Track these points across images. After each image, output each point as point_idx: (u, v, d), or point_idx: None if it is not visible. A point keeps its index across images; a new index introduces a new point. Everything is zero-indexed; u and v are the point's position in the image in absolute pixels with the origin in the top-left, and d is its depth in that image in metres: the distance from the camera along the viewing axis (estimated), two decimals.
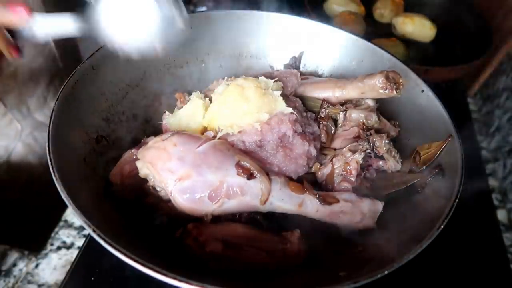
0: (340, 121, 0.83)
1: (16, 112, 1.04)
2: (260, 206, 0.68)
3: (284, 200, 0.69)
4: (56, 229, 0.94)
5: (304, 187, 0.70)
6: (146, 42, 0.64)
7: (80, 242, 0.91)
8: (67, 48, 1.21)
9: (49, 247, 0.91)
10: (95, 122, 0.78)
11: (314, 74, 1.01)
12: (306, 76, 0.94)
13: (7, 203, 1.07)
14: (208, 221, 0.67)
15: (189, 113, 0.82)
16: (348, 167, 0.75)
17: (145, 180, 0.72)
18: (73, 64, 1.04)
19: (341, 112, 0.83)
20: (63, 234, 0.93)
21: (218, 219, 0.69)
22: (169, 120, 0.85)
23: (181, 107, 0.87)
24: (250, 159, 0.69)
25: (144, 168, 0.70)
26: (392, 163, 0.78)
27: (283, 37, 1.00)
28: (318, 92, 0.87)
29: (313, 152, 0.75)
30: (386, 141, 0.78)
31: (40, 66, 1.09)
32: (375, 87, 0.79)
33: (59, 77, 1.16)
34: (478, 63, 1.33)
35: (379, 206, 0.72)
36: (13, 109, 1.03)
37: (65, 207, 0.97)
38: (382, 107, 0.88)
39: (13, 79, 1.01)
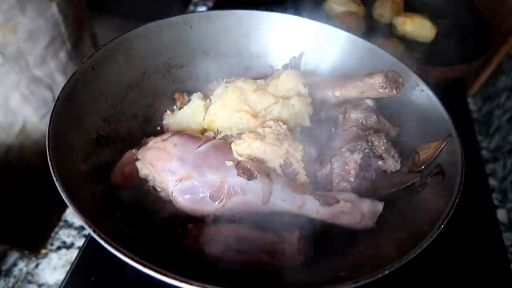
0: (340, 121, 0.84)
1: (13, 64, 1.12)
2: (261, 206, 0.68)
3: (285, 200, 0.69)
4: (56, 229, 0.94)
5: (305, 187, 0.70)
6: None
7: (80, 242, 0.91)
8: (74, 15, 1.28)
9: (49, 247, 0.91)
10: (95, 122, 0.78)
11: (314, 74, 1.01)
12: (306, 76, 0.94)
13: (7, 202, 1.08)
14: (210, 221, 0.67)
15: (190, 114, 0.82)
16: (347, 167, 0.75)
17: (145, 181, 0.72)
18: (78, 32, 1.28)
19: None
20: (63, 234, 0.93)
21: (218, 219, 0.69)
22: (169, 120, 0.85)
23: (181, 107, 0.87)
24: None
25: (144, 168, 0.70)
26: (391, 163, 0.78)
27: (283, 37, 1.00)
28: (318, 92, 0.87)
29: (313, 153, 0.75)
30: (385, 141, 0.78)
31: (40, 28, 1.17)
32: (375, 86, 0.79)
33: (61, 40, 1.24)
34: (478, 63, 1.33)
35: (379, 206, 0.72)
36: (10, 61, 1.11)
37: (65, 207, 0.97)
38: (382, 107, 0.88)
39: (12, 34, 1.08)
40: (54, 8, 1.18)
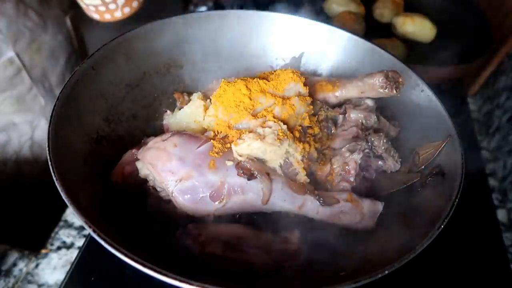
0: (340, 121, 0.84)
1: (40, 87, 1.10)
2: (262, 206, 0.68)
3: (285, 200, 0.69)
4: (56, 229, 0.94)
5: (305, 187, 0.70)
6: None
7: (80, 242, 0.91)
8: (80, 31, 1.28)
9: (49, 247, 0.91)
10: (95, 122, 0.78)
11: (314, 74, 1.01)
12: (306, 76, 0.94)
13: (8, 202, 1.08)
14: (210, 221, 0.67)
15: (190, 114, 0.82)
16: (347, 167, 0.75)
17: (145, 181, 0.72)
18: (84, 47, 1.24)
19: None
20: (63, 234, 0.93)
21: (218, 219, 0.69)
22: (169, 120, 0.85)
23: (181, 107, 0.87)
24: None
25: (144, 168, 0.70)
26: (391, 163, 0.78)
27: (283, 37, 1.00)
28: (318, 91, 0.87)
29: (313, 153, 0.75)
30: (384, 141, 0.78)
31: (60, 44, 1.15)
32: (375, 86, 0.79)
33: (75, 56, 1.22)
34: (478, 63, 1.32)
35: (379, 206, 0.72)
36: (37, 83, 1.09)
37: (65, 207, 0.97)
38: (382, 107, 0.88)
39: (38, 54, 1.06)
40: (68, 22, 1.16)
